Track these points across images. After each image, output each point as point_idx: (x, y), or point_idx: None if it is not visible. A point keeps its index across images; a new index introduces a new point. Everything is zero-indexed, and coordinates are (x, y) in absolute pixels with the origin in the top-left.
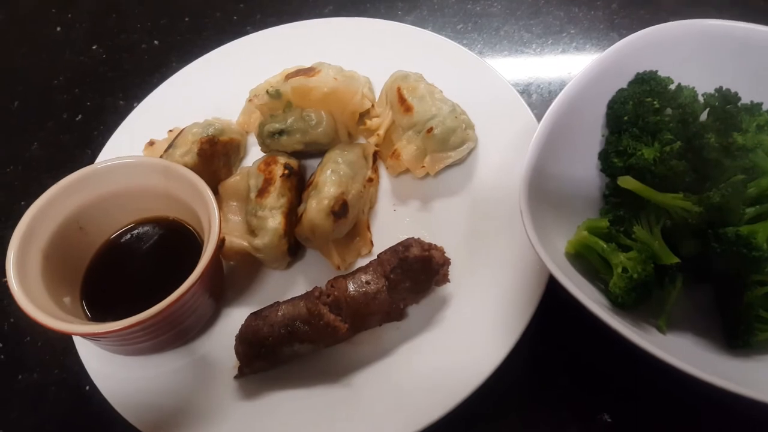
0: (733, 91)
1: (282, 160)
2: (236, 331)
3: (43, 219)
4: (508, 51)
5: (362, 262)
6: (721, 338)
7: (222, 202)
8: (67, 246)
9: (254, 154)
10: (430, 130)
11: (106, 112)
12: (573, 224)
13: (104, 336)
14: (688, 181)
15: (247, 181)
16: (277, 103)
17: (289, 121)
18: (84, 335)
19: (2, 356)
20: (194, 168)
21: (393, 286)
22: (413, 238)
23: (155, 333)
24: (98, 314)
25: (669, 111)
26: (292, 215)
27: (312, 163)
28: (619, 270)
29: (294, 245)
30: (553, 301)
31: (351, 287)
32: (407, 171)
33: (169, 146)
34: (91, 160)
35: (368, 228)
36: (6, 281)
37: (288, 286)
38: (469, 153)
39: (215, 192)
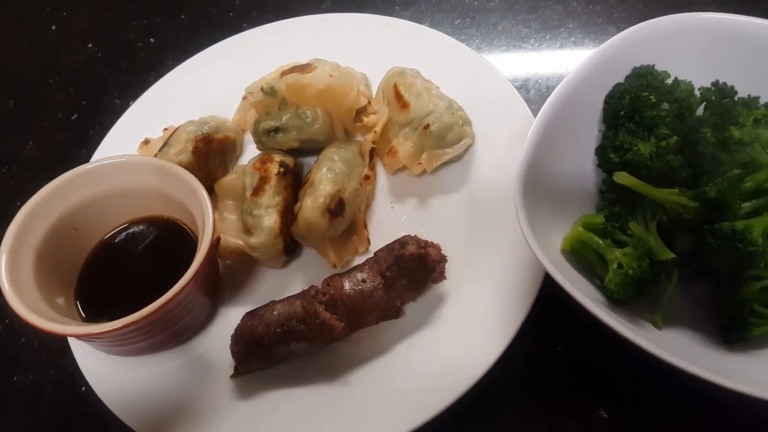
0: (730, 84)
1: (277, 158)
2: (232, 331)
3: (36, 219)
4: (506, 46)
5: (359, 260)
6: (716, 333)
7: (218, 201)
8: (61, 246)
9: (251, 152)
10: (427, 126)
11: (102, 111)
12: (570, 220)
13: (96, 337)
14: (685, 176)
15: (243, 180)
16: (272, 100)
17: (284, 118)
18: (75, 336)
19: None
20: (189, 166)
21: (389, 284)
22: (410, 235)
23: (150, 333)
24: (93, 315)
25: (666, 105)
26: (288, 214)
27: (309, 161)
28: (615, 266)
29: (290, 244)
30: (550, 297)
31: (347, 285)
32: (404, 168)
33: (164, 145)
34: (87, 159)
35: (365, 226)
36: None
37: (285, 284)
38: (466, 150)
39: (211, 190)
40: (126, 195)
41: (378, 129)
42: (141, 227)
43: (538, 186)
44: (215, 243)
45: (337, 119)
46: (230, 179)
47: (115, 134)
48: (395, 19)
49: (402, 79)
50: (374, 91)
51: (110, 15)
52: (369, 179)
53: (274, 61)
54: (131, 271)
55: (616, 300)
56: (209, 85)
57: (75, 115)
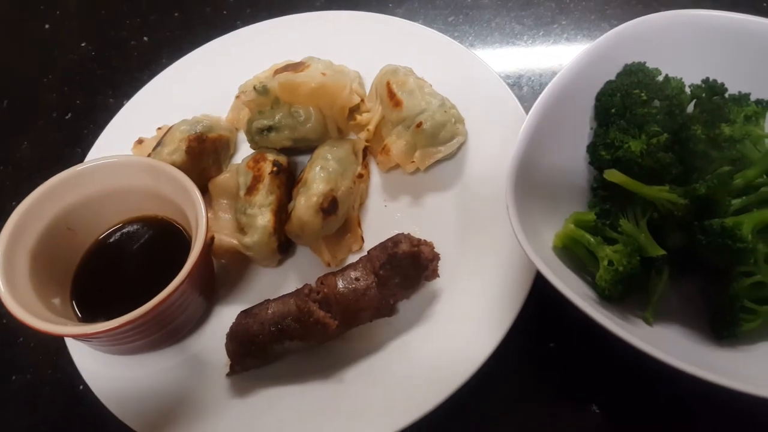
0: (720, 81)
1: (271, 157)
2: (227, 329)
3: (31, 220)
4: (499, 43)
5: (353, 259)
6: (707, 329)
7: (212, 200)
8: (56, 246)
9: (244, 150)
10: (420, 124)
11: (96, 110)
12: (561, 217)
13: (92, 337)
14: (675, 173)
15: (237, 179)
16: (265, 99)
17: (277, 117)
18: (71, 336)
19: None
20: (183, 166)
21: (383, 282)
22: (402, 233)
23: (146, 332)
24: (89, 314)
25: (657, 103)
26: (282, 213)
27: (302, 160)
28: (605, 263)
29: (284, 243)
30: (543, 294)
31: (340, 284)
32: (398, 166)
33: (158, 144)
34: (81, 159)
35: (359, 224)
36: None
37: (279, 283)
38: (459, 147)
39: (205, 190)
40: (120, 195)
41: (371, 127)
42: (135, 227)
43: (530, 183)
44: (209, 242)
45: (330, 118)
46: (224, 178)
47: (109, 134)
48: (388, 16)
49: (395, 77)
50: (368, 89)
51: (104, 13)
52: (362, 178)
53: (268, 59)
54: (126, 270)
55: (607, 297)
56: (203, 84)
57: (69, 115)
